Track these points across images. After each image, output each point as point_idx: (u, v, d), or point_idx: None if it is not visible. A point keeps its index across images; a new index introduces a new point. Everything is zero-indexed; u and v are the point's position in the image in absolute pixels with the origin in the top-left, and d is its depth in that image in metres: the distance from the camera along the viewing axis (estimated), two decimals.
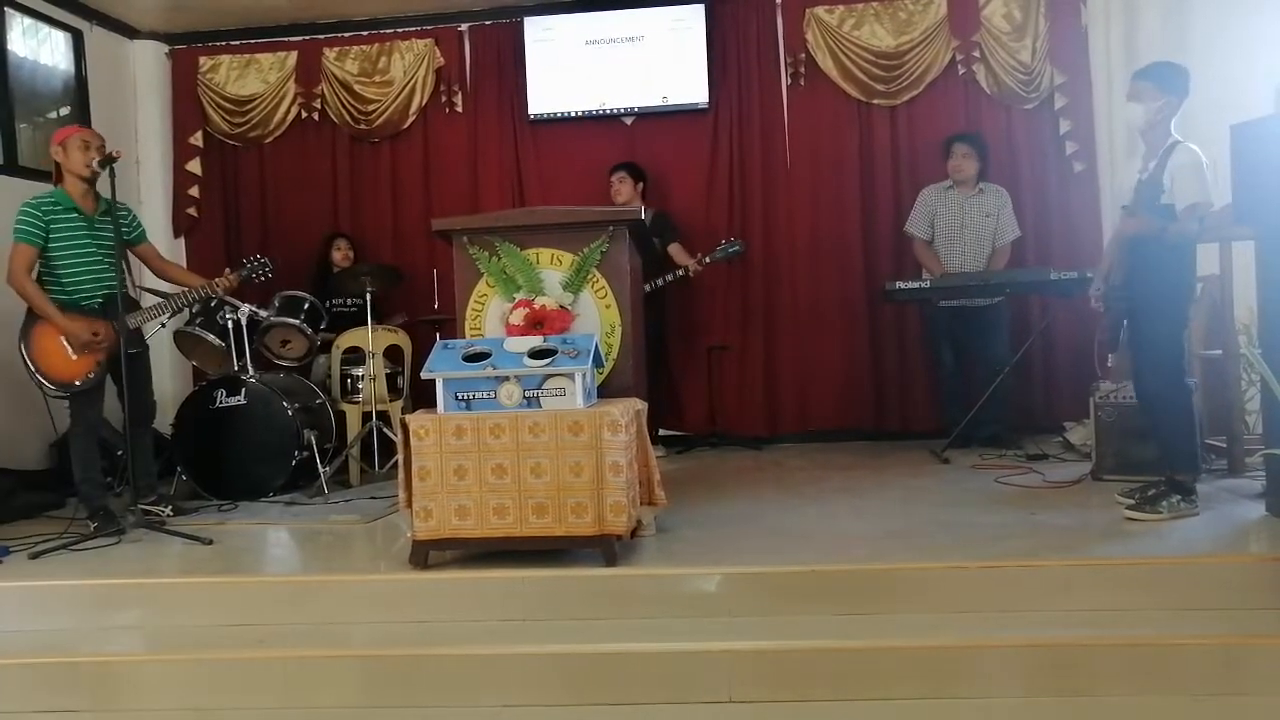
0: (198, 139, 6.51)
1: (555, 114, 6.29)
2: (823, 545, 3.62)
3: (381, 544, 4.05)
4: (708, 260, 5.73)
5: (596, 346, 3.53)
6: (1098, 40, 5.76)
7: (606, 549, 3.36)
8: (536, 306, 3.75)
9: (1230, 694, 2.81)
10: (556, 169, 6.31)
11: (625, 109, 6.26)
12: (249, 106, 6.48)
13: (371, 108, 6.38)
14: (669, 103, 6.20)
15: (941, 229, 5.63)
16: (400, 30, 6.43)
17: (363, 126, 6.42)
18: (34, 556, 3.85)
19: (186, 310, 4.91)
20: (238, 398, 4.93)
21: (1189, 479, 3.80)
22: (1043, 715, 2.83)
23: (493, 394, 3.43)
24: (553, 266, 3.84)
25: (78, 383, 4.28)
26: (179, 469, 5.03)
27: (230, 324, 5.06)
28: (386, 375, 5.46)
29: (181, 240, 6.59)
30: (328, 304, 5.73)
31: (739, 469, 5.39)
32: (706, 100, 6.16)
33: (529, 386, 3.42)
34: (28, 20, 5.68)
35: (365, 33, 6.46)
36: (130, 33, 6.42)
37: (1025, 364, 5.63)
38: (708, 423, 6.18)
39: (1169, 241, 3.71)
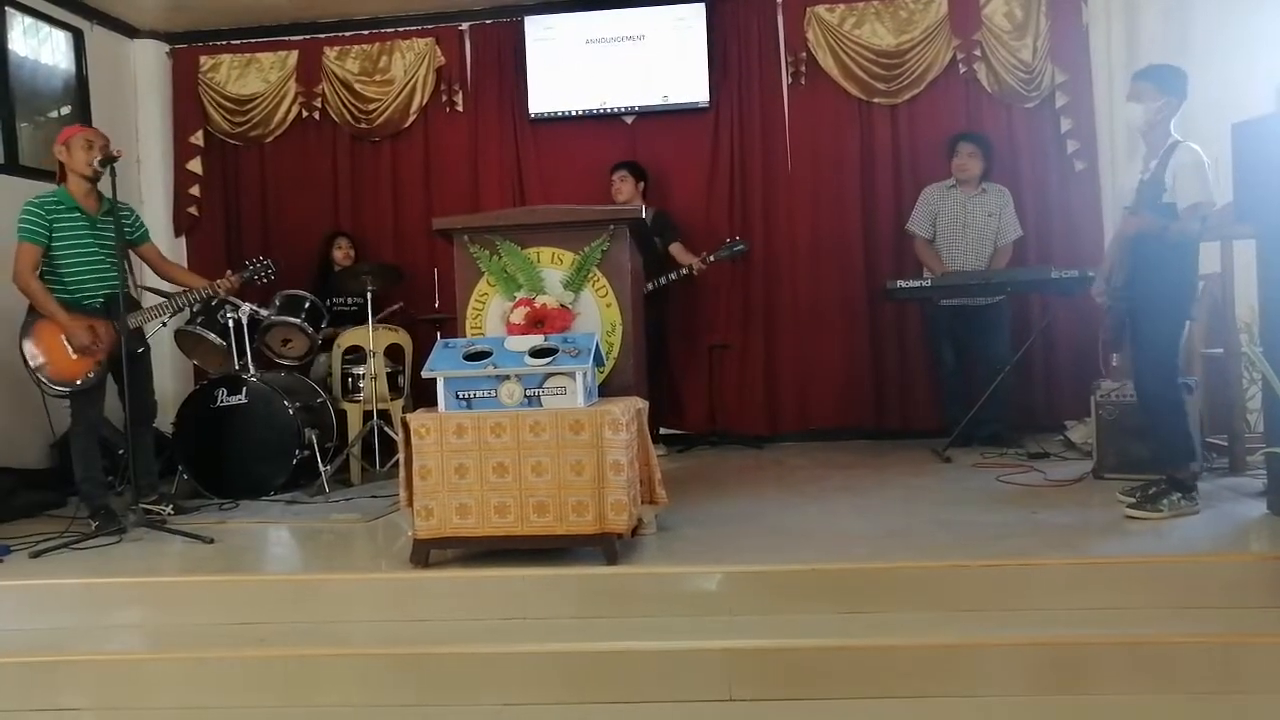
0: (198, 138, 6.51)
1: (556, 113, 6.29)
2: (823, 544, 3.62)
3: (382, 543, 4.05)
4: (712, 259, 5.73)
5: (597, 345, 3.53)
6: (1099, 39, 5.76)
7: (607, 547, 3.36)
8: (537, 305, 3.75)
9: (1231, 692, 2.80)
10: (557, 168, 6.31)
11: (626, 108, 6.26)
12: (250, 106, 6.48)
13: (372, 107, 6.38)
14: (669, 102, 6.20)
15: (943, 228, 5.63)
16: (401, 29, 6.43)
17: (363, 126, 6.42)
18: (35, 555, 3.85)
19: (187, 309, 4.91)
20: (239, 397, 4.93)
21: (1188, 476, 3.80)
22: (1043, 714, 2.83)
23: (493, 393, 3.44)
24: (553, 265, 3.85)
25: (78, 382, 4.28)
26: (180, 468, 5.04)
27: (231, 323, 5.07)
28: (387, 374, 5.46)
29: (182, 239, 6.59)
30: (328, 303, 5.74)
31: (740, 468, 5.39)
32: (707, 99, 6.16)
33: (530, 385, 3.42)
34: (28, 19, 5.69)
35: (366, 32, 6.46)
36: (131, 32, 6.43)
37: (1026, 363, 5.63)
38: (708, 422, 6.18)
39: (1170, 240, 3.71)
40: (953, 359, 5.68)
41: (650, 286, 5.43)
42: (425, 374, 3.52)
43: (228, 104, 6.49)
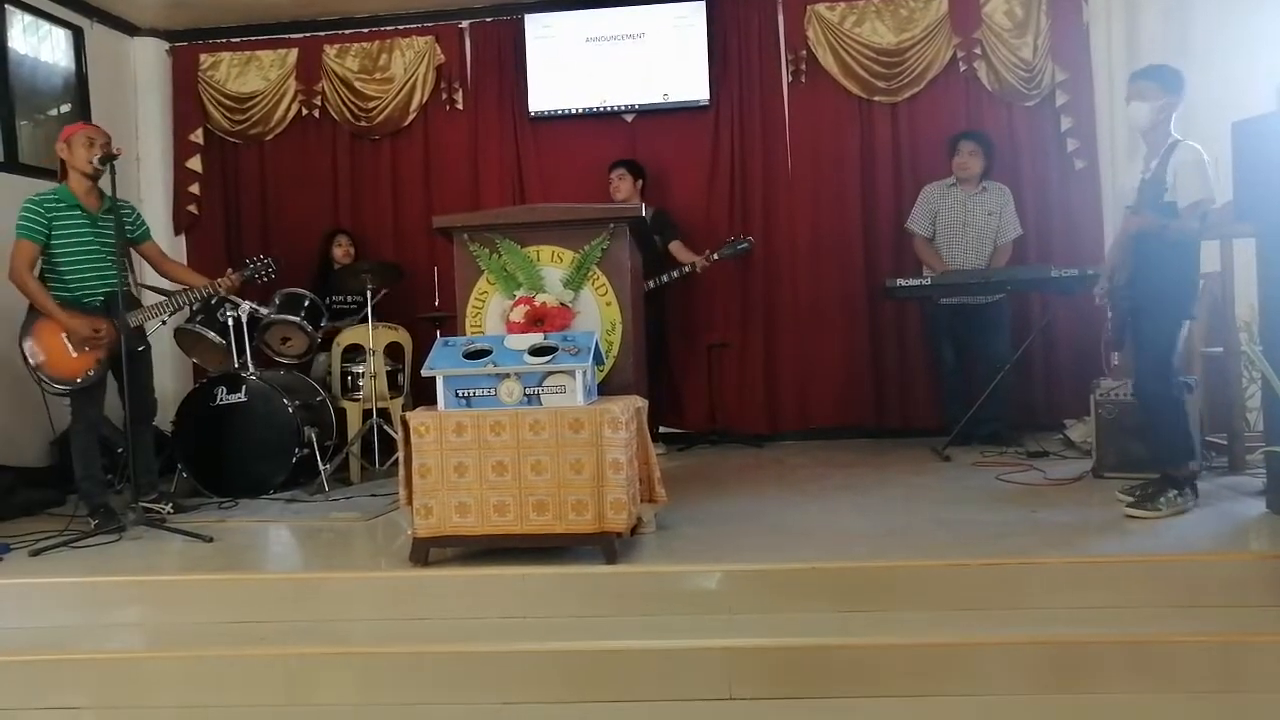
0: (198, 136, 6.51)
1: (556, 111, 6.29)
2: (823, 543, 3.62)
3: (382, 541, 4.05)
4: (715, 257, 5.73)
5: (597, 344, 3.53)
6: (1099, 37, 5.76)
7: (607, 546, 3.36)
8: (537, 304, 3.75)
9: (1231, 691, 2.80)
10: (557, 166, 6.31)
11: (626, 106, 6.26)
12: (249, 104, 6.47)
13: (372, 105, 6.38)
14: (670, 100, 6.20)
15: (943, 226, 5.63)
16: (401, 27, 6.43)
17: (363, 124, 6.41)
18: (34, 554, 3.85)
19: (187, 308, 4.91)
20: (238, 395, 4.92)
21: (1185, 474, 3.81)
22: (1043, 713, 2.82)
23: (493, 391, 3.43)
24: (553, 264, 3.84)
25: (79, 380, 4.28)
26: (179, 466, 5.03)
27: (231, 321, 5.07)
28: (387, 372, 5.45)
29: (182, 237, 6.59)
30: (328, 301, 5.73)
31: (739, 466, 5.39)
32: (707, 97, 6.15)
33: (529, 384, 3.42)
34: (28, 17, 5.68)
35: (366, 30, 6.45)
36: (131, 30, 6.42)
37: (1026, 361, 5.63)
38: (708, 420, 6.18)
39: (1170, 239, 3.72)
40: (952, 357, 5.68)
41: (651, 285, 5.43)
42: (425, 372, 3.52)
43: (227, 102, 6.49)
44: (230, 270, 4.69)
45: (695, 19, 6.12)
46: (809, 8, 6.07)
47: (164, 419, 5.02)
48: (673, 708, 2.89)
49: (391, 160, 6.48)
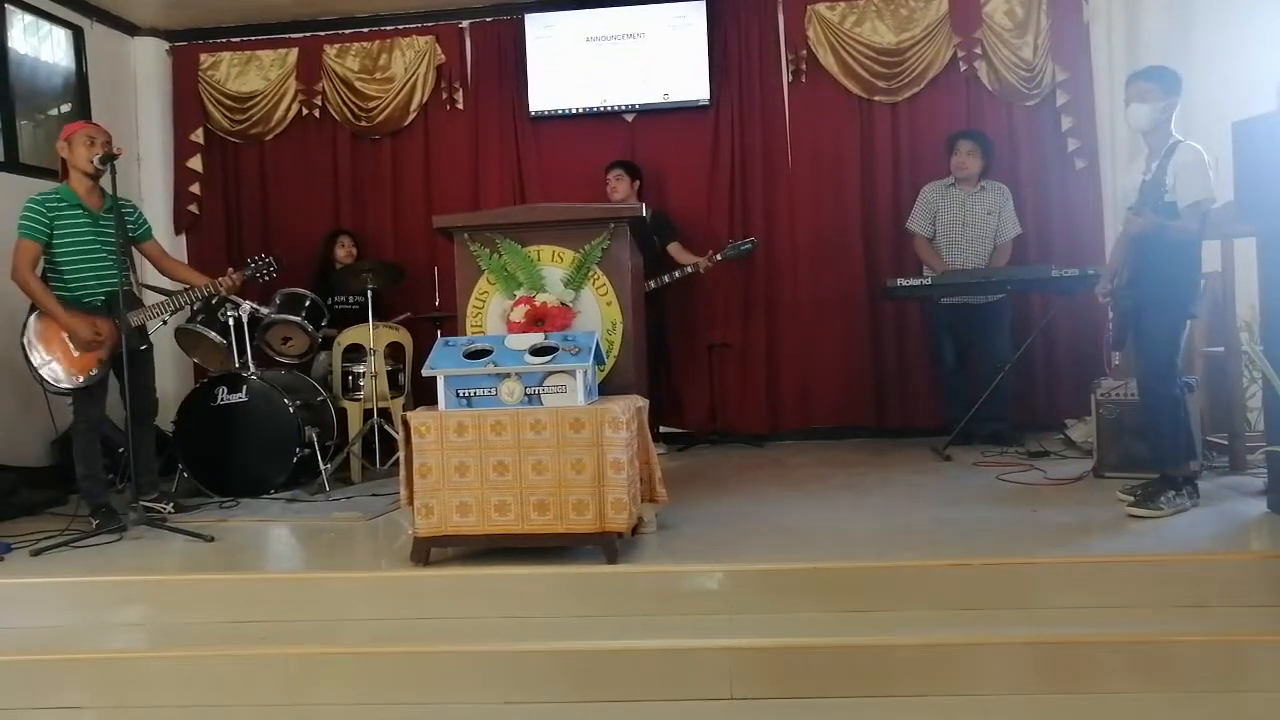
0: (198, 136, 6.51)
1: (556, 111, 6.29)
2: (824, 542, 3.62)
3: (383, 541, 4.05)
4: (719, 257, 5.73)
5: (597, 344, 3.53)
6: (1099, 37, 5.76)
7: (607, 546, 3.36)
8: (538, 304, 3.75)
9: (1231, 691, 2.80)
10: (557, 166, 6.31)
11: (626, 106, 6.26)
12: (250, 103, 6.47)
13: (372, 105, 6.38)
14: (670, 99, 6.20)
15: (943, 226, 5.63)
16: (401, 27, 6.43)
17: (364, 124, 6.42)
18: (36, 554, 3.85)
19: (188, 307, 4.91)
20: (239, 395, 4.92)
21: (1185, 473, 3.81)
22: (1044, 712, 2.83)
23: (494, 391, 3.43)
24: (554, 263, 3.84)
25: (81, 380, 4.28)
26: (180, 466, 5.03)
27: (231, 321, 5.07)
28: (388, 372, 5.45)
29: (182, 237, 6.59)
30: (329, 301, 5.73)
31: (740, 466, 5.39)
32: (708, 97, 6.15)
33: (530, 383, 3.42)
34: (28, 17, 5.68)
35: (366, 30, 6.45)
36: (131, 30, 6.42)
37: (1026, 361, 5.63)
38: (709, 420, 6.18)
39: (1171, 238, 3.72)
40: (953, 357, 5.67)
41: (652, 285, 5.43)
42: (425, 372, 3.51)
43: (228, 101, 6.49)
44: (231, 269, 4.69)
45: (695, 18, 6.12)
46: (809, 7, 6.07)
47: (165, 419, 5.01)
48: (673, 708, 2.89)
49: (392, 160, 6.48)
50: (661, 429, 5.89)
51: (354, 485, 5.16)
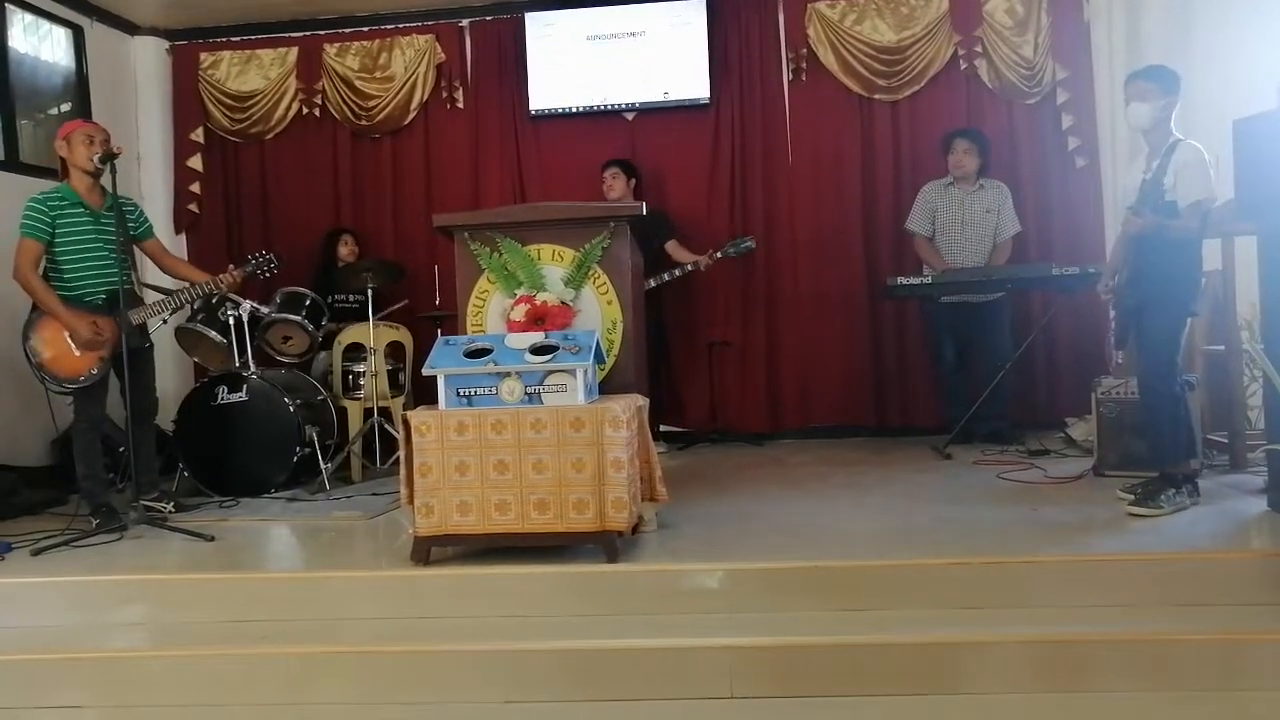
0: (199, 135, 6.51)
1: (556, 110, 6.29)
2: (824, 541, 3.62)
3: (383, 540, 4.05)
4: (719, 256, 5.73)
5: (598, 342, 3.53)
6: (1100, 35, 5.76)
7: (608, 545, 3.36)
8: (538, 302, 3.75)
9: (1231, 690, 2.80)
10: (558, 164, 6.31)
11: (626, 104, 6.25)
12: (250, 102, 6.47)
13: (372, 104, 6.38)
14: (670, 98, 6.20)
15: (942, 225, 5.62)
16: (401, 26, 6.43)
17: (364, 123, 6.41)
18: (36, 553, 3.85)
19: (188, 306, 4.91)
20: (239, 394, 4.92)
21: (1185, 471, 3.81)
22: (1044, 711, 2.82)
23: (494, 390, 3.43)
24: (554, 262, 3.84)
25: (82, 379, 4.28)
26: (181, 465, 5.03)
27: (232, 320, 5.07)
28: (388, 371, 5.45)
29: (183, 236, 6.59)
30: (330, 300, 5.73)
31: (740, 465, 5.39)
32: (708, 95, 6.15)
33: (530, 382, 3.42)
34: (28, 16, 5.68)
35: (366, 29, 6.45)
36: (131, 29, 6.42)
37: (1027, 360, 5.63)
38: (709, 419, 6.18)
39: (1171, 238, 3.72)
40: (953, 356, 5.67)
41: (652, 284, 5.42)
42: (426, 371, 3.51)
43: (228, 101, 6.49)
44: (232, 266, 4.69)
45: (695, 17, 6.12)
46: (809, 6, 6.06)
47: (165, 418, 5.02)
48: (674, 706, 2.89)
49: (392, 159, 6.48)
50: (662, 428, 5.89)
51: (354, 484, 5.15)
